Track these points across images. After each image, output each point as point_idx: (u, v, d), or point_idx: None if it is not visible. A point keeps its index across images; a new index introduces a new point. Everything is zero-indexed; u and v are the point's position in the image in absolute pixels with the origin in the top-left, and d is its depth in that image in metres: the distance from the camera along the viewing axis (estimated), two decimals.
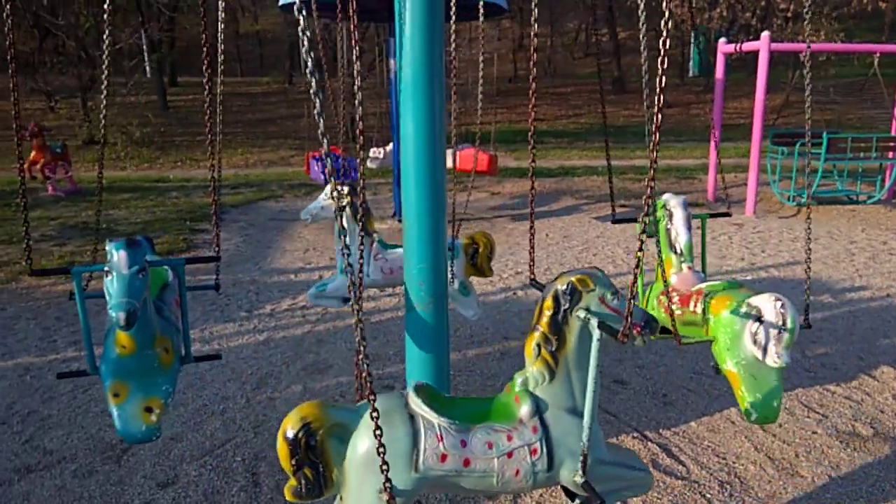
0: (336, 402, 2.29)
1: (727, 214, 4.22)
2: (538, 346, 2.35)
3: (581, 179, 13.29)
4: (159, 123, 19.98)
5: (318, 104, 2.09)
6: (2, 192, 11.74)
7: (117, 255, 2.60)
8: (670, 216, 3.78)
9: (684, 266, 3.71)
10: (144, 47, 24.90)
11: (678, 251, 3.72)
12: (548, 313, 2.34)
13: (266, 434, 3.80)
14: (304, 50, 2.02)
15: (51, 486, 3.32)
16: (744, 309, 3.17)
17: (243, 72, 31.94)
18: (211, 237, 7.18)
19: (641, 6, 3.18)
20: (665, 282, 3.50)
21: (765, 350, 3.07)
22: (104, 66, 3.39)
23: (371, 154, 10.23)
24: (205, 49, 3.24)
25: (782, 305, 3.04)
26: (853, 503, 3.18)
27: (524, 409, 2.32)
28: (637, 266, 2.30)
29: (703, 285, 3.55)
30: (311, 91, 2.11)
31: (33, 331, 5.42)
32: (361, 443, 2.19)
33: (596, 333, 2.25)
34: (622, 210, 10.14)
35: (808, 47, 3.61)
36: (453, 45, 3.53)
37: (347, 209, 4.13)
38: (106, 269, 2.61)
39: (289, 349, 5.04)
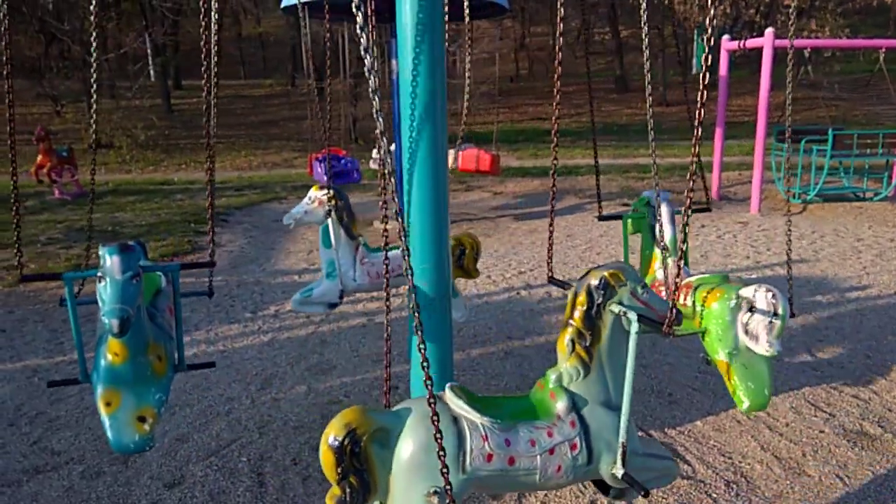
0: (376, 407, 2.26)
1: (707, 209, 4.24)
2: (572, 341, 2.35)
3: (584, 178, 13.27)
4: (164, 126, 20.06)
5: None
6: (9, 196, 11.81)
7: (110, 260, 2.52)
8: (654, 212, 3.80)
9: (670, 260, 3.74)
10: (149, 51, 25.00)
11: (662, 246, 3.77)
12: (581, 308, 2.35)
13: (271, 434, 3.81)
14: (304, 53, 2.00)
15: (59, 486, 3.34)
16: (734, 300, 3.21)
17: (246, 74, 32.01)
18: (216, 239, 7.22)
19: (644, 5, 3.15)
20: (680, 276, 3.48)
21: (756, 339, 3.12)
22: (93, 70, 3.40)
23: (373, 155, 10.25)
24: (204, 49, 3.20)
25: (773, 296, 3.10)
26: (861, 503, 3.17)
27: (561, 405, 2.32)
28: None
29: (692, 278, 3.58)
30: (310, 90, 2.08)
31: (41, 333, 5.45)
32: (408, 446, 2.15)
33: (635, 327, 2.28)
34: (625, 209, 10.12)
35: (792, 46, 3.60)
36: (468, 44, 3.53)
37: (333, 213, 4.08)
38: (99, 274, 2.54)
39: (293, 350, 5.06)
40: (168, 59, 23.94)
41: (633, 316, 2.28)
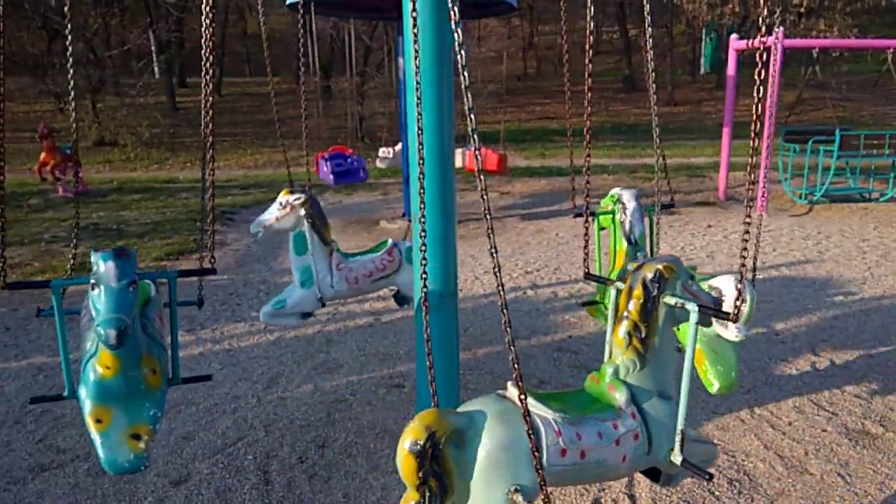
0: (447, 409, 2.23)
1: (671, 206, 4.34)
2: (629, 334, 2.40)
3: (592, 178, 13.24)
4: (168, 124, 20.09)
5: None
6: (13, 194, 11.85)
7: (105, 267, 2.38)
8: (623, 209, 3.96)
9: (639, 255, 3.90)
10: (153, 48, 25.03)
11: (632, 241, 3.92)
12: (638, 301, 2.40)
13: (277, 433, 3.82)
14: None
15: (65, 484, 3.36)
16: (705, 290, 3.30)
17: (252, 72, 32.05)
18: (221, 238, 7.24)
19: (647, 7, 3.13)
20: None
21: (725, 326, 3.31)
22: (69, 66, 3.19)
23: (380, 154, 10.25)
24: (206, 47, 3.16)
25: (740, 285, 3.14)
26: (861, 501, 3.16)
27: (622, 397, 2.36)
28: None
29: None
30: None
31: (46, 331, 5.47)
32: (487, 446, 2.13)
33: (694, 317, 2.35)
34: None
35: (771, 44, 3.55)
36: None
37: (308, 219, 3.92)
38: (92, 281, 2.39)
39: (299, 349, 5.07)
40: (173, 57, 23.96)
41: (692, 306, 2.35)
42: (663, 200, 4.17)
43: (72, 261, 3.52)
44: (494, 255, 2.06)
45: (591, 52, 2.86)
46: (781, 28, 9.57)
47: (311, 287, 3.99)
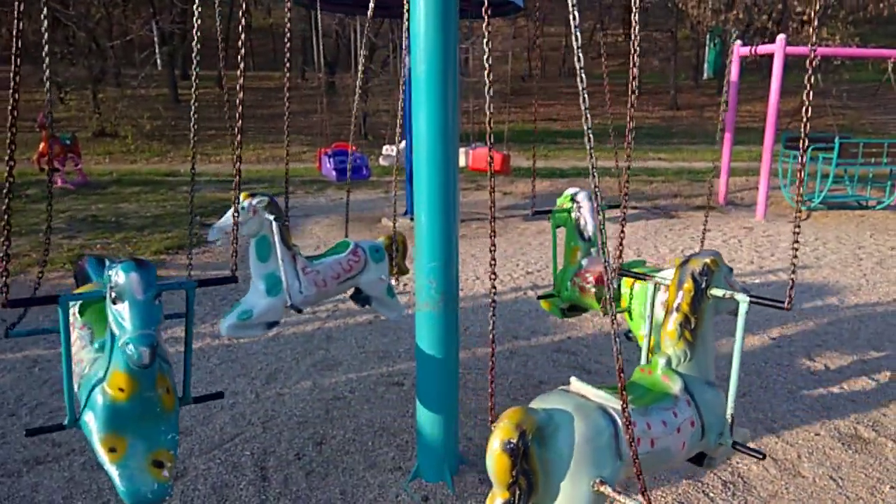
0: (528, 407, 2.24)
1: (617, 206, 4.47)
2: (681, 326, 2.52)
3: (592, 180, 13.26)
4: (170, 117, 20.05)
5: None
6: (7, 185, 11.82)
7: (129, 278, 2.21)
8: (578, 207, 4.13)
9: (593, 251, 4.12)
10: (156, 39, 24.97)
11: (586, 238, 4.11)
12: (689, 294, 2.52)
13: (275, 429, 3.83)
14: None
15: (59, 477, 3.36)
16: (654, 284, 3.46)
17: (255, 66, 32.01)
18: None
19: (635, 11, 3.14)
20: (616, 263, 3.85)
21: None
22: (46, 57, 2.96)
23: (384, 151, 10.24)
24: (221, 42, 3.16)
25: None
26: None
27: (677, 387, 2.46)
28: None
29: (627, 263, 3.93)
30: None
31: (42, 323, 5.45)
32: (571, 440, 2.16)
33: (744, 307, 2.47)
34: (633, 211, 10.12)
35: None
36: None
37: (275, 223, 3.74)
38: (113, 294, 2.21)
39: (298, 345, 5.07)
40: (175, 48, 23.91)
41: (742, 297, 2.48)
42: (610, 201, 4.48)
43: (43, 261, 3.32)
44: (492, 269, 2.08)
45: (635, 53, 2.93)
46: (783, 35, 9.57)
47: (279, 294, 3.76)
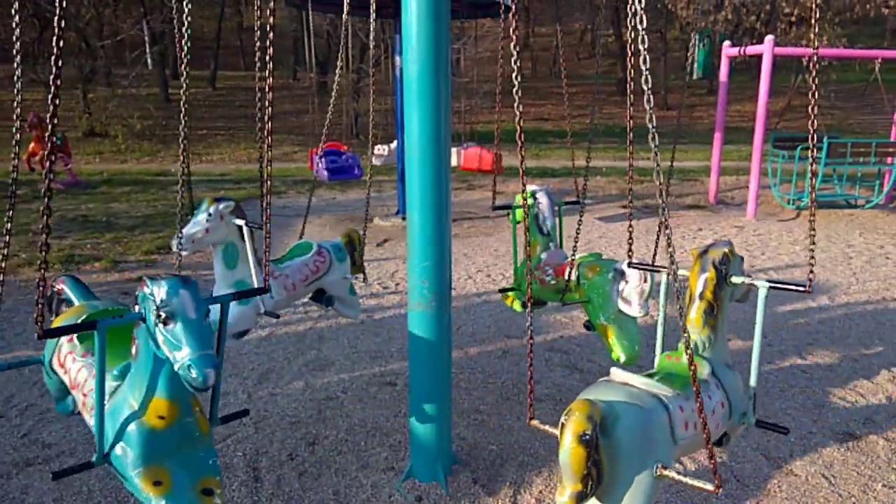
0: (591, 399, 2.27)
1: (577, 202, 4.60)
2: (706, 313, 2.64)
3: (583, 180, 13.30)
4: (160, 116, 19.96)
5: None
6: (1, 184, 11.74)
7: (180, 297, 2.07)
8: (537, 204, 4.29)
9: (551, 245, 4.30)
10: (146, 39, 24.85)
11: (545, 232, 4.28)
12: (712, 282, 2.64)
13: (267, 430, 3.82)
14: None
15: (49, 479, 3.31)
16: (612, 273, 3.80)
17: (247, 65, 31.90)
18: None
19: (639, 8, 3.16)
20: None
21: (630, 304, 3.71)
22: (16, 55, 2.75)
23: (375, 151, 10.23)
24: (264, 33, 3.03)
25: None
26: (845, 502, 3.21)
27: (706, 371, 2.59)
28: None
29: (575, 257, 4.07)
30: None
31: (32, 324, 5.42)
32: (634, 429, 2.22)
33: (763, 292, 2.61)
34: (623, 210, 10.17)
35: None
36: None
37: (246, 228, 3.62)
38: (163, 315, 2.05)
39: (290, 345, 5.06)
40: (166, 48, 23.81)
41: (762, 283, 2.62)
42: (569, 199, 4.72)
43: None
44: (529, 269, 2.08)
45: (645, 53, 2.98)
46: (772, 36, 9.64)
47: (250, 302, 3.61)
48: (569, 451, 2.07)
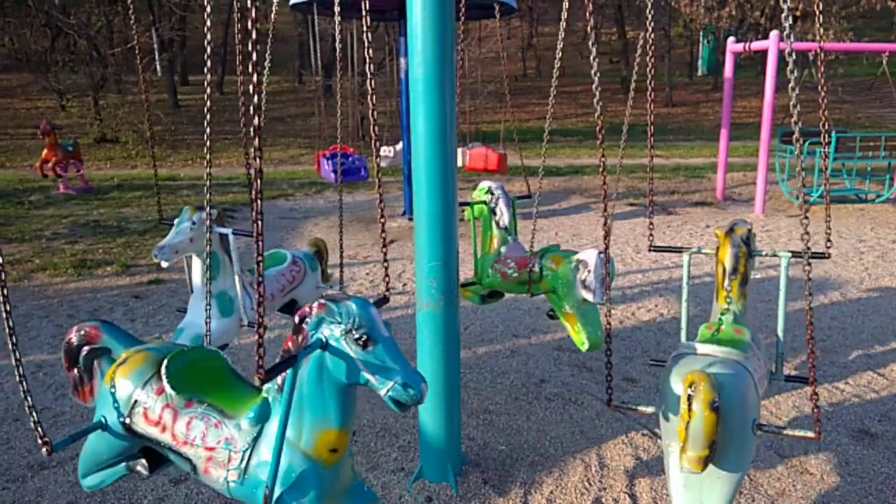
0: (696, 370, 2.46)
1: (528, 197, 4.73)
2: (741, 285, 2.87)
3: (590, 178, 13.28)
4: (170, 122, 20.09)
5: None
6: (14, 191, 11.85)
7: (372, 316, 1.96)
8: (494, 199, 4.38)
9: (510, 238, 4.40)
10: (156, 46, 25.03)
11: (503, 227, 4.38)
12: (744, 257, 2.89)
13: None
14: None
15: (64, 482, 3.36)
16: (574, 263, 3.99)
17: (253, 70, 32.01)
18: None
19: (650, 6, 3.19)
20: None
21: (593, 292, 3.91)
22: None
23: (381, 153, 10.27)
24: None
25: (602, 257, 3.90)
26: (862, 500, 3.19)
27: (748, 336, 2.78)
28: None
29: (536, 250, 4.27)
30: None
31: (46, 328, 5.48)
32: (741, 392, 2.40)
33: (785, 261, 2.95)
34: (631, 209, 10.15)
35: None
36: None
37: (231, 236, 3.54)
38: (364, 337, 1.92)
39: None
40: (175, 55, 23.97)
41: (784, 253, 2.95)
42: (520, 193, 4.97)
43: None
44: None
45: (651, 53, 3.15)
46: (777, 31, 9.60)
47: (233, 314, 3.49)
48: (702, 418, 2.18)
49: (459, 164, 9.39)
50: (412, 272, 6.84)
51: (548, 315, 4.38)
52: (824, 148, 2.84)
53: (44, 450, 2.11)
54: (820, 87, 2.75)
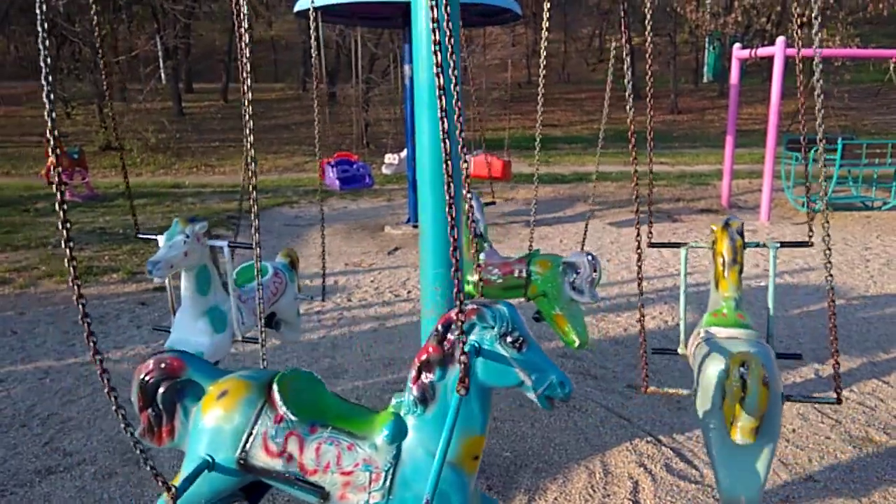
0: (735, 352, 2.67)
1: (492, 203, 4.82)
2: (739, 273, 3.10)
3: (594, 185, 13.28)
4: (175, 129, 20.21)
5: None
6: (20, 198, 11.92)
7: (520, 320, 1.99)
8: (469, 207, 4.39)
9: (486, 245, 4.53)
10: (160, 54, 25.20)
11: (478, 233, 4.48)
12: (741, 249, 3.13)
13: None
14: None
15: (71, 487, 3.37)
16: (562, 266, 4.18)
17: (257, 78, 32.23)
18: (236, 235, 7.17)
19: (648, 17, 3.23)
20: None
21: (582, 293, 4.12)
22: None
23: (386, 160, 10.31)
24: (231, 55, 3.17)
25: (592, 259, 4.22)
26: None
27: (750, 320, 3.03)
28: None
29: (521, 255, 4.44)
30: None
31: (52, 334, 5.51)
32: (770, 366, 2.62)
33: (773, 252, 3.24)
34: (629, 219, 10.14)
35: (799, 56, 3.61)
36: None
37: (226, 249, 3.45)
38: (520, 340, 1.94)
39: (304, 354, 5.09)
40: (179, 63, 24.12)
41: (772, 244, 3.25)
42: (485, 200, 5.12)
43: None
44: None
45: (650, 59, 3.28)
46: (783, 38, 9.60)
47: (226, 329, 3.36)
48: (758, 393, 2.37)
49: None
50: (417, 279, 6.85)
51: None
52: (804, 154, 3.06)
53: (166, 496, 1.96)
54: (816, 94, 2.88)
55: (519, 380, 1.96)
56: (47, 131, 1.79)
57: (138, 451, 1.90)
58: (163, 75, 26.08)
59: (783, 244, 3.28)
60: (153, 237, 3.66)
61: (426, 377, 2.03)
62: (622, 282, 6.85)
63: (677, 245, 3.43)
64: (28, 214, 10.46)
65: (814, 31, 2.63)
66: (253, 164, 2.94)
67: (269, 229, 9.74)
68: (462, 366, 1.88)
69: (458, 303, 1.88)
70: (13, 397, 4.38)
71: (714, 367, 2.66)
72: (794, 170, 10.57)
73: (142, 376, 2.18)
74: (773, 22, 22.35)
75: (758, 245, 3.28)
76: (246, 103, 2.66)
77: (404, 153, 9.88)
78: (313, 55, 4.23)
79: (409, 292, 6.56)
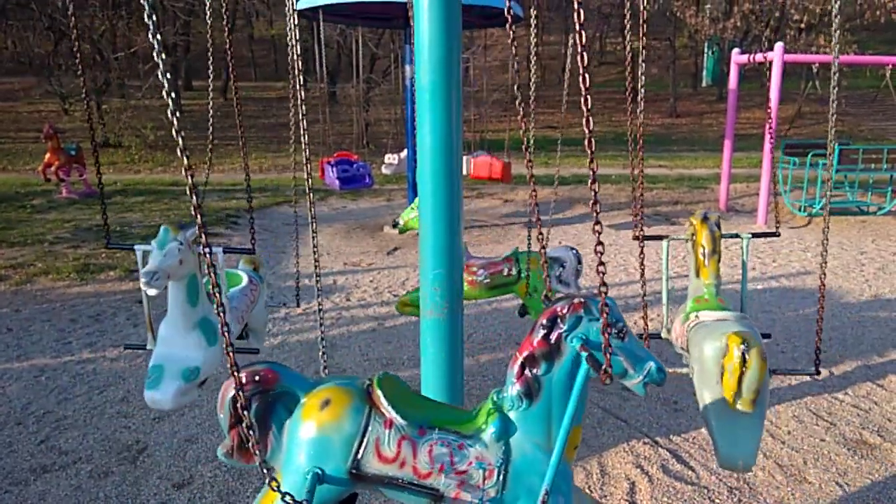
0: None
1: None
2: (717, 262, 3.30)
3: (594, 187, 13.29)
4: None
5: None
6: (16, 195, 11.89)
7: (618, 308, 2.01)
8: None
9: (465, 247, 4.62)
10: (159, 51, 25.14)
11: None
12: (720, 240, 3.33)
13: None
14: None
15: (66, 486, 3.37)
16: (549, 262, 4.21)
17: (257, 77, 32.19)
18: (227, 241, 7.19)
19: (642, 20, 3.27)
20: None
21: (568, 285, 4.34)
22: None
23: (386, 160, 10.31)
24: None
25: (576, 252, 4.48)
26: None
27: (729, 304, 3.25)
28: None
29: (507, 254, 4.62)
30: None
31: (48, 332, 5.50)
32: (761, 342, 2.82)
33: (746, 242, 3.61)
34: (634, 220, 10.17)
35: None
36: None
37: (221, 255, 3.36)
38: (623, 330, 2.00)
39: (303, 353, 5.09)
40: (179, 60, 24.08)
41: (746, 235, 3.61)
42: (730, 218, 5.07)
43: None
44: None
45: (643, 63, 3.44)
46: (781, 43, 9.64)
47: (219, 341, 3.13)
48: (759, 368, 2.60)
49: (464, 172, 9.43)
50: (416, 280, 6.86)
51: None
52: (829, 156, 3.30)
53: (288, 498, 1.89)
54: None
55: (623, 369, 1.99)
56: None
57: (267, 479, 1.87)
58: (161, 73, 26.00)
59: (755, 235, 3.69)
60: (127, 247, 3.56)
61: (531, 372, 2.02)
62: (620, 283, 6.86)
63: (660, 238, 3.68)
64: (24, 211, 10.43)
65: (834, 38, 2.80)
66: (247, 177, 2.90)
67: (267, 227, 9.74)
68: (589, 357, 1.95)
69: (560, 298, 2.09)
70: (8, 395, 4.38)
71: (711, 346, 2.85)
72: (791, 174, 10.61)
73: (235, 391, 2.07)
74: (772, 28, 22.42)
75: (733, 236, 3.64)
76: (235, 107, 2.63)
77: (404, 153, 9.89)
78: (293, 56, 3.99)
79: (407, 293, 6.56)
